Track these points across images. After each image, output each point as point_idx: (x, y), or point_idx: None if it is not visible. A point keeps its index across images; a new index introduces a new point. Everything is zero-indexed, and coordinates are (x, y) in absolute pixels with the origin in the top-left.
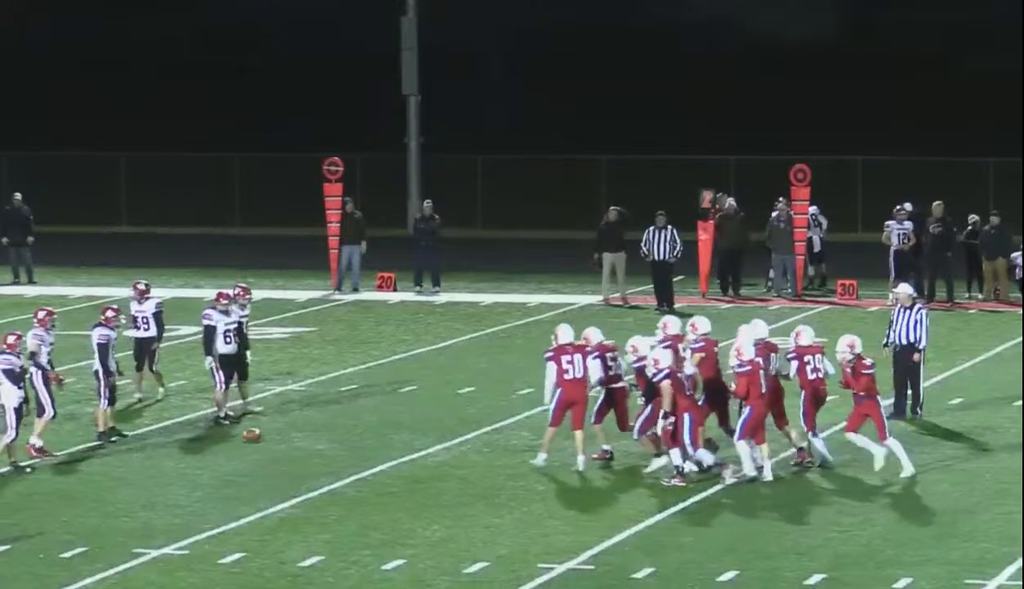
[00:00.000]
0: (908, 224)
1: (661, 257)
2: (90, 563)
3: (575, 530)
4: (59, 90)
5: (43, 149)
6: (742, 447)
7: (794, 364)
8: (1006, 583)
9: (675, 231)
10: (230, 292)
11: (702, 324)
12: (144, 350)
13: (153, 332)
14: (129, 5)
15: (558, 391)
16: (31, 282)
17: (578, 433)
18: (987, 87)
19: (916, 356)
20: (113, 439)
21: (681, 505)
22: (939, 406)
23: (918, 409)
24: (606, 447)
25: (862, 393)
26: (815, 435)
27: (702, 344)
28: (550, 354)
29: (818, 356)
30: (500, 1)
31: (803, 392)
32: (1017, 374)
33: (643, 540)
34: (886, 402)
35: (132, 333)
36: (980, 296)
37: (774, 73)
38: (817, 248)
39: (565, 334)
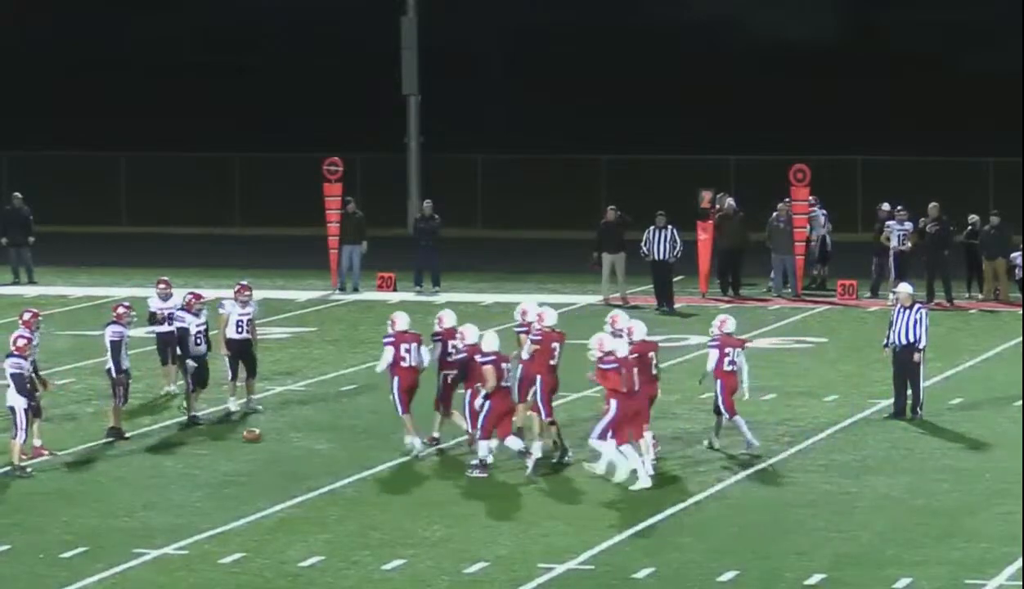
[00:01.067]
0: (908, 224)
1: (661, 257)
2: (90, 563)
3: (575, 530)
4: (59, 90)
5: (43, 149)
6: (608, 449)
7: (715, 353)
8: (1006, 583)
9: (675, 231)
10: (201, 293)
11: (549, 316)
12: (166, 346)
13: (173, 328)
14: (129, 5)
15: (396, 379)
16: (31, 282)
17: (407, 417)
18: (987, 87)
19: (916, 356)
20: (110, 439)
21: (681, 505)
22: (939, 406)
23: (918, 409)
24: (436, 434)
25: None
26: (731, 418)
27: (539, 337)
28: (390, 339)
29: (737, 349)
30: (500, 1)
31: (719, 381)
32: (1017, 374)
33: (643, 540)
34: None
35: (154, 329)
36: (980, 296)
37: (774, 73)
38: (829, 248)
39: (402, 321)
